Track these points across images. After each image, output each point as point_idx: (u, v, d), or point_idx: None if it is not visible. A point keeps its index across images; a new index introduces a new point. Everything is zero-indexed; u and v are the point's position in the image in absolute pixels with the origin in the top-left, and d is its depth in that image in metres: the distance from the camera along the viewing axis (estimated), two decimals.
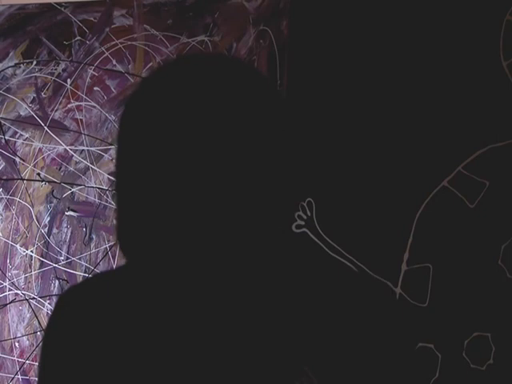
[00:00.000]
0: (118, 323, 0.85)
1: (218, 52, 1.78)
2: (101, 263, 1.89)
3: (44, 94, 1.97)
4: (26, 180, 1.96)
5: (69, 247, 1.92)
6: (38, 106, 1.97)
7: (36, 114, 1.97)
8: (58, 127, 1.95)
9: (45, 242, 1.94)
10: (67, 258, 1.92)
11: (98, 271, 1.89)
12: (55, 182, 1.94)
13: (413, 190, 1.57)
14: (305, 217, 1.64)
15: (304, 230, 1.65)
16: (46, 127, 1.96)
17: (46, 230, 1.94)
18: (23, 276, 1.95)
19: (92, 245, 1.90)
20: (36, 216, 1.95)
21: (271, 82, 1.59)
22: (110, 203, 1.89)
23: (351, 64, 1.63)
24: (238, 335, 0.82)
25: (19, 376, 1.93)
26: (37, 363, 1.90)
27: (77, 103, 1.94)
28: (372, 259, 1.59)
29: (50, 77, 1.96)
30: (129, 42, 1.90)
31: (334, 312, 0.84)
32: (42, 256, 1.94)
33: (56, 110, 1.95)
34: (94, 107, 1.92)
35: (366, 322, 0.84)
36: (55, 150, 1.95)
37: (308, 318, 0.83)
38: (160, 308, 0.84)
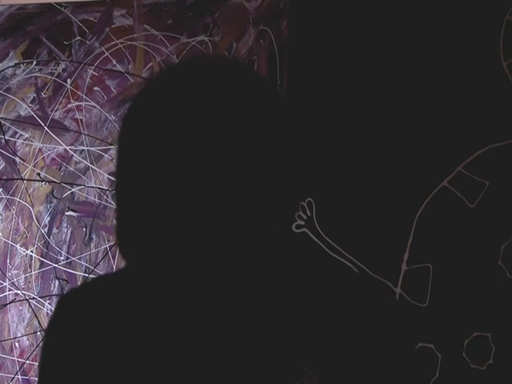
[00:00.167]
0: (118, 325, 0.85)
1: (218, 53, 1.78)
2: (101, 263, 1.89)
3: (44, 94, 1.97)
4: (26, 180, 1.96)
5: (69, 247, 1.92)
6: (37, 106, 1.97)
7: (36, 113, 1.97)
8: (58, 127, 1.95)
9: (45, 241, 1.94)
10: (67, 258, 1.92)
11: (98, 271, 1.89)
12: (55, 182, 1.94)
13: (413, 189, 1.57)
14: (305, 217, 1.65)
15: (304, 229, 1.65)
16: (45, 127, 1.96)
17: (46, 230, 1.94)
18: (23, 276, 1.95)
19: (92, 245, 1.90)
20: (36, 216, 1.95)
21: (271, 82, 1.59)
22: (110, 203, 1.89)
23: (351, 64, 1.63)
24: (238, 335, 0.82)
25: (19, 376, 1.93)
26: (37, 363, 1.90)
27: (77, 103, 1.94)
28: (372, 259, 1.59)
29: (49, 77, 1.96)
30: (129, 42, 1.90)
31: (334, 312, 0.84)
32: (41, 256, 1.94)
33: (56, 110, 1.95)
34: (94, 107, 1.92)
35: (365, 321, 0.84)
36: (55, 149, 1.95)
37: (308, 318, 0.83)
38: (160, 309, 0.84)
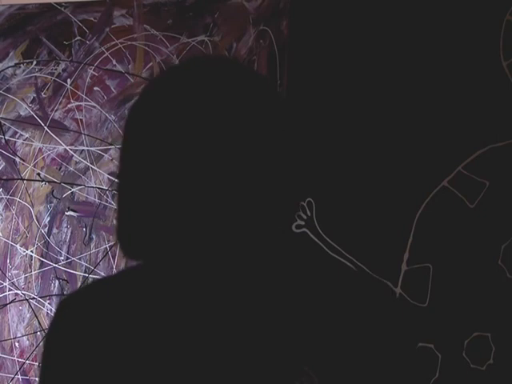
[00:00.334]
0: (118, 327, 0.85)
1: (218, 53, 1.78)
2: (101, 263, 1.89)
3: (44, 94, 1.97)
4: (26, 180, 1.96)
5: (69, 247, 1.92)
6: (37, 106, 1.97)
7: (36, 114, 1.97)
8: (58, 127, 1.95)
9: (45, 242, 1.94)
10: (67, 258, 1.92)
11: (98, 271, 1.89)
12: (55, 182, 1.94)
13: (413, 189, 1.57)
14: (305, 217, 1.65)
15: (304, 230, 1.65)
16: (46, 127, 1.96)
17: (46, 230, 1.94)
18: (23, 276, 1.95)
19: (92, 245, 1.90)
20: (36, 216, 1.95)
21: (271, 82, 1.59)
22: (110, 203, 1.89)
23: (351, 64, 1.63)
24: (238, 335, 0.82)
25: (19, 376, 1.93)
26: (37, 363, 1.90)
27: (77, 103, 1.94)
28: (372, 259, 1.59)
29: (50, 77, 1.96)
30: (129, 42, 1.90)
31: (334, 312, 0.84)
32: (42, 256, 1.94)
33: (56, 110, 1.95)
34: (94, 107, 1.92)
35: (365, 321, 0.84)
36: (55, 149, 1.95)
37: (308, 318, 0.83)
38: (161, 310, 0.84)
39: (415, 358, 1.48)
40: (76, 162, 1.93)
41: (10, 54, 2.00)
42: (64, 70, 1.95)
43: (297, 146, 0.86)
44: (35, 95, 1.97)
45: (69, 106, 1.94)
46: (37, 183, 1.96)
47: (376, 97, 1.61)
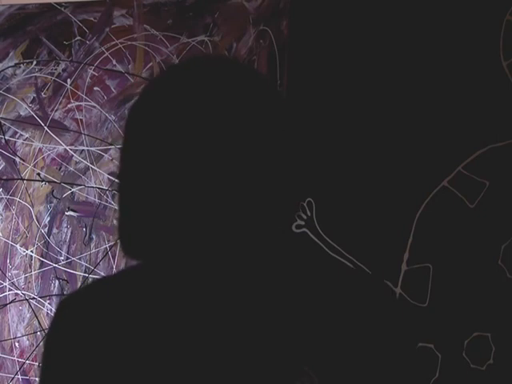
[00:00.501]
0: (119, 327, 0.85)
1: (218, 53, 1.78)
2: (101, 263, 1.89)
3: (44, 94, 1.97)
4: (26, 180, 1.96)
5: (69, 247, 1.92)
6: (38, 106, 1.97)
7: (36, 114, 1.97)
8: (58, 127, 1.95)
9: (45, 242, 1.94)
10: (67, 258, 1.92)
11: (98, 271, 1.89)
12: (55, 182, 1.94)
13: (413, 189, 1.57)
14: (305, 217, 1.65)
15: (304, 230, 1.65)
16: (46, 127, 1.96)
17: (46, 230, 1.94)
18: (23, 276, 1.95)
19: (92, 245, 1.90)
20: (36, 216, 1.95)
21: (271, 82, 1.59)
22: (110, 203, 1.89)
23: (351, 64, 1.63)
24: (238, 335, 0.82)
25: (19, 376, 1.93)
26: (37, 363, 1.90)
27: (77, 103, 1.94)
28: (372, 259, 1.59)
29: (50, 77, 1.96)
30: (129, 42, 1.90)
31: (334, 312, 0.84)
32: (42, 256, 1.94)
33: (56, 110, 1.95)
34: (94, 107, 1.92)
35: (365, 321, 0.84)
36: (55, 149, 1.95)
37: (308, 318, 0.83)
38: (161, 310, 0.84)
39: (415, 357, 1.48)
40: (76, 162, 1.93)
41: (10, 54, 2.00)
42: (64, 70, 1.95)
43: (297, 145, 0.86)
44: (35, 95, 1.97)
45: (69, 105, 1.94)
46: (37, 183, 1.96)
47: (376, 97, 1.61)
